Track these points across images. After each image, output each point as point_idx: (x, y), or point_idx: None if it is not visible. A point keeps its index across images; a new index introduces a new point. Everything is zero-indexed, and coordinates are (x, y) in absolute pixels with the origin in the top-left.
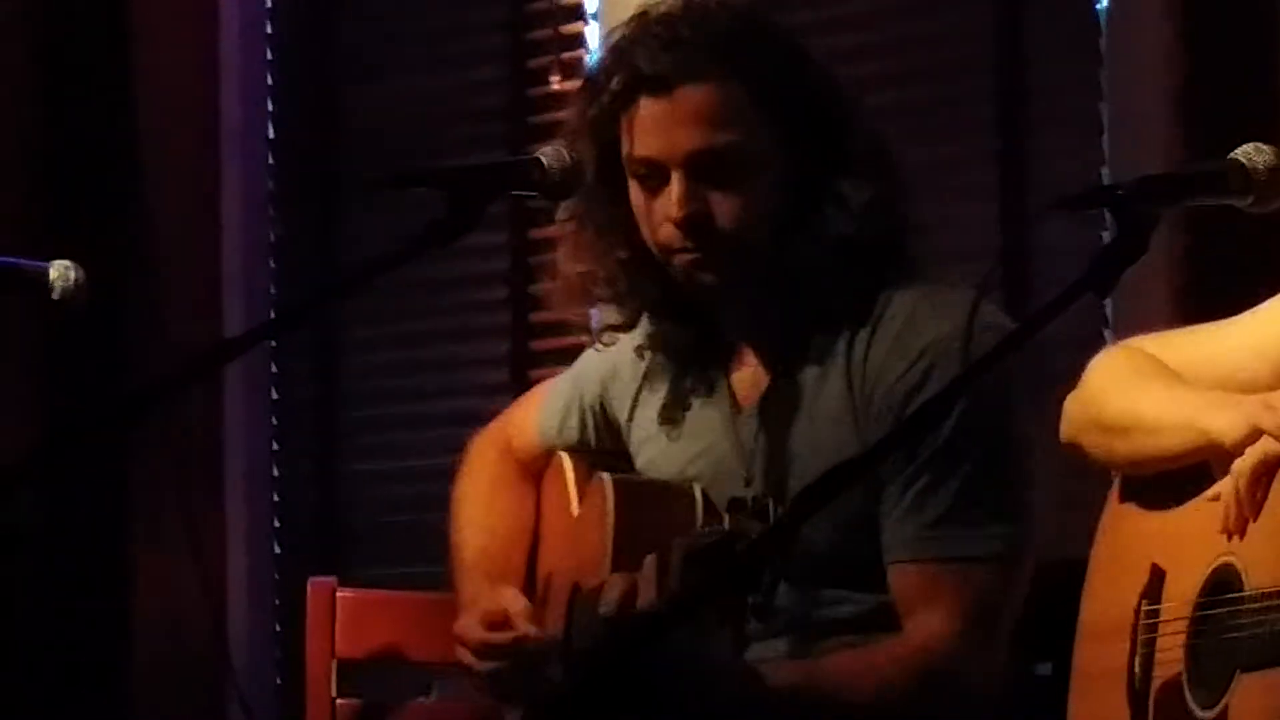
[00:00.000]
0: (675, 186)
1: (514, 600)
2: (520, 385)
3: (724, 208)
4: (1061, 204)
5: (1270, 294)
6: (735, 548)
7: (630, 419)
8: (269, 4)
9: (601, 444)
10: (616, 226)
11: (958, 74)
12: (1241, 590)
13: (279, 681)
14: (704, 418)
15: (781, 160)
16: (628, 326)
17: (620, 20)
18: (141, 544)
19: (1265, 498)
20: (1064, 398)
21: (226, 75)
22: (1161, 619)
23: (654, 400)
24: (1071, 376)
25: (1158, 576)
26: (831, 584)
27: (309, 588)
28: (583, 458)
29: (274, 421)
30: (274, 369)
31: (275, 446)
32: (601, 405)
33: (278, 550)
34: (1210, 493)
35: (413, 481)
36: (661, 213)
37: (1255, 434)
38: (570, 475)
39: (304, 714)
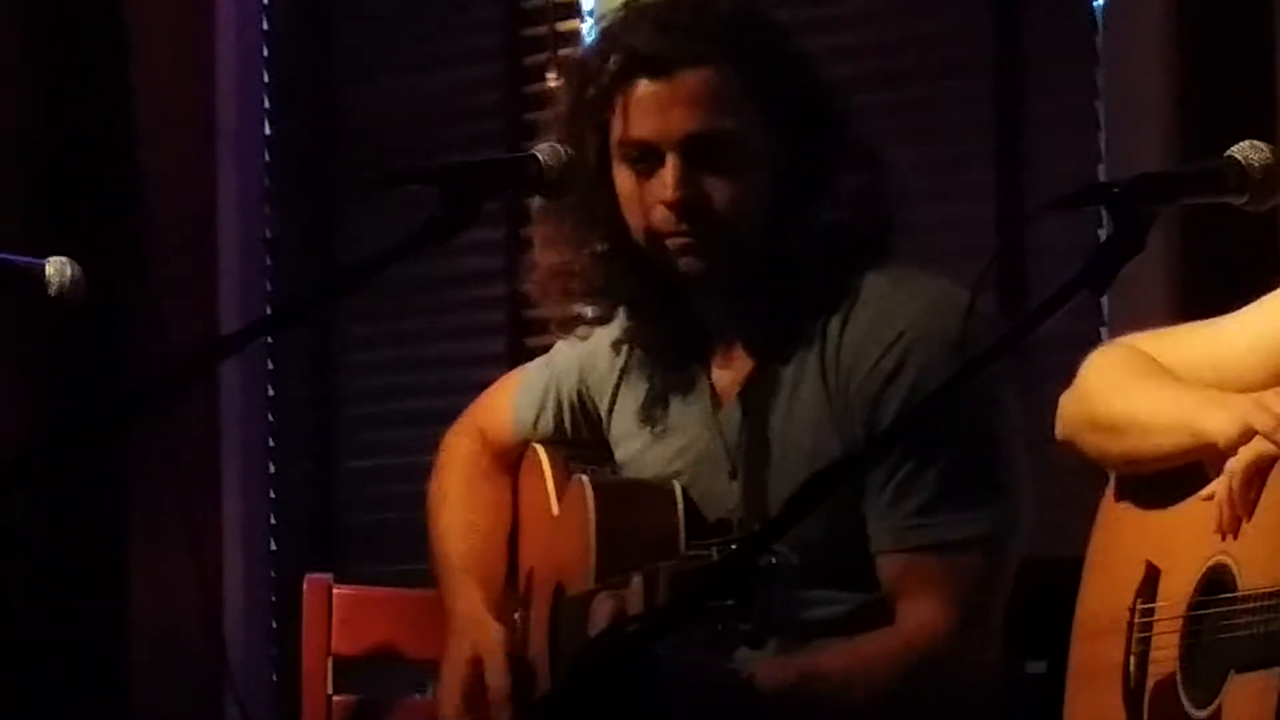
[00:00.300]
0: (670, 169)
1: (493, 651)
2: None
3: (718, 193)
4: (1058, 202)
5: (1266, 291)
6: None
7: (610, 412)
8: (265, 3)
9: (579, 435)
10: (597, 218)
11: (955, 73)
12: (1235, 590)
13: (275, 678)
14: (685, 414)
15: (773, 150)
16: (603, 320)
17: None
18: (138, 541)
19: (1259, 497)
20: (1060, 395)
21: (223, 74)
22: (1156, 618)
23: (633, 395)
24: (1068, 374)
25: (1152, 575)
26: (818, 584)
27: (305, 585)
28: (559, 451)
29: (270, 419)
30: (270, 366)
31: (272, 444)
32: (579, 397)
33: (274, 547)
34: (1204, 492)
35: (409, 479)
36: (654, 196)
37: (1249, 434)
38: (548, 471)
39: (300, 711)
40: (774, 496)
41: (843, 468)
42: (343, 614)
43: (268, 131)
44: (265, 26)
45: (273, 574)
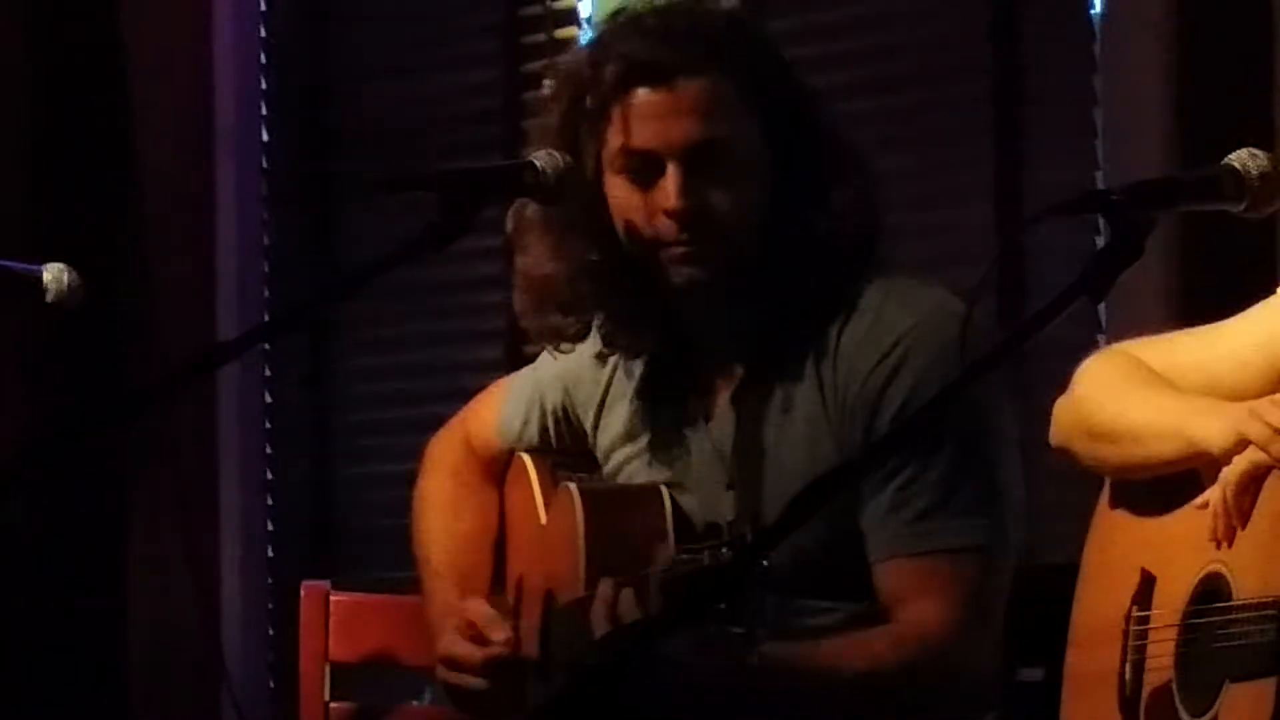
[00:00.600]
0: (672, 178)
1: (479, 610)
2: None
3: (718, 202)
4: (1056, 209)
5: (1264, 298)
6: (713, 575)
7: (596, 427)
8: (263, 7)
9: (564, 445)
10: (588, 228)
11: (953, 79)
12: (1230, 599)
13: (272, 684)
14: (676, 426)
15: (769, 158)
16: (580, 336)
17: None
18: (136, 547)
19: (1253, 506)
20: (1056, 402)
21: (221, 78)
22: (1152, 625)
23: (621, 408)
24: (1066, 381)
25: (1148, 582)
26: (812, 593)
27: (302, 591)
28: (545, 460)
29: (268, 425)
30: (268, 372)
31: (269, 450)
32: (564, 409)
33: (271, 553)
34: (1199, 500)
35: (407, 485)
36: (655, 205)
37: (1242, 442)
38: (535, 480)
39: (297, 716)
40: (770, 505)
41: (842, 474)
42: (340, 620)
43: (266, 137)
44: (263, 32)
45: (270, 580)
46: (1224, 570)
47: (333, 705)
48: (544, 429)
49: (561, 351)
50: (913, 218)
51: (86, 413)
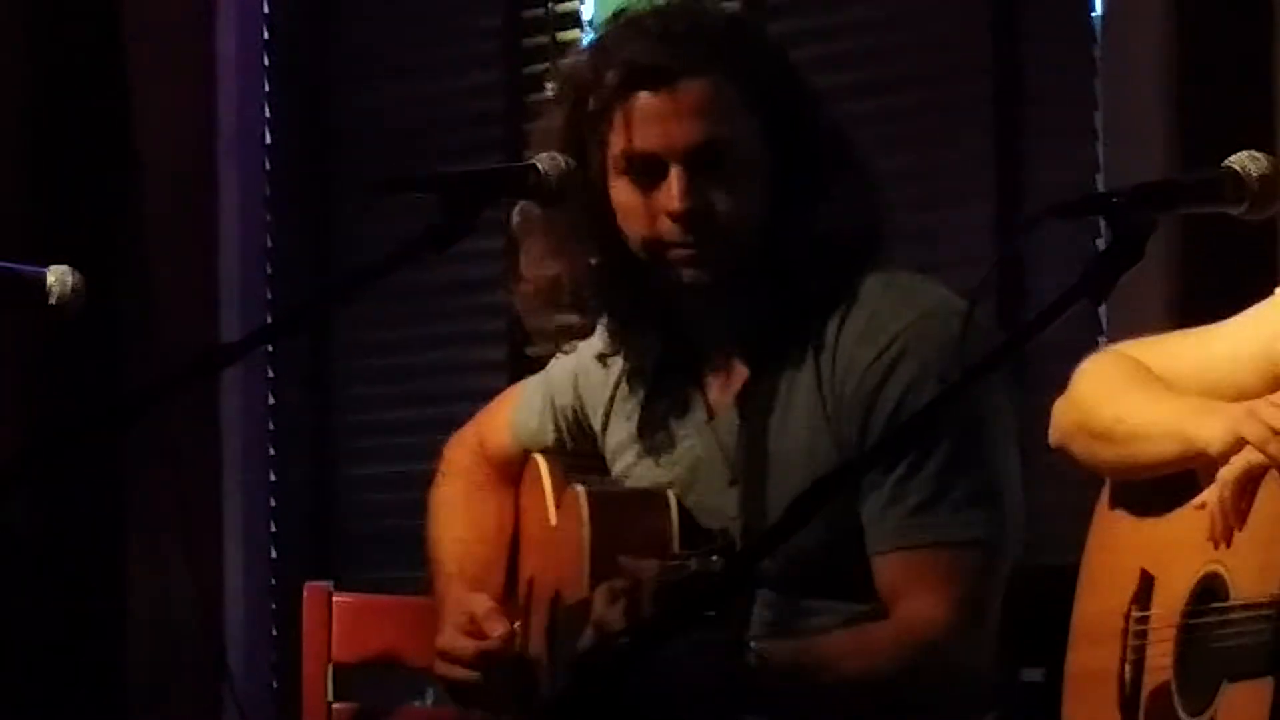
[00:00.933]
0: (675, 180)
1: (480, 604)
2: None
3: (721, 203)
4: (1057, 211)
5: (1263, 300)
6: (701, 582)
7: (604, 428)
8: (266, 9)
9: (576, 446)
10: (590, 229)
11: (953, 80)
12: (1228, 599)
13: (275, 685)
14: (680, 425)
15: (770, 159)
16: (585, 333)
17: None
18: (138, 548)
19: (1250, 507)
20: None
21: (223, 81)
22: (1151, 625)
23: (627, 409)
24: (1066, 382)
25: (1147, 583)
26: (812, 594)
27: (305, 592)
28: (558, 461)
29: (270, 426)
30: (270, 374)
31: (272, 451)
32: (574, 411)
33: (274, 555)
34: (1197, 501)
35: (409, 486)
36: (658, 208)
37: (1240, 443)
38: (547, 481)
39: (300, 718)
40: (773, 503)
41: (842, 475)
42: (342, 621)
43: (268, 139)
44: (266, 34)
45: (273, 581)
46: (1222, 571)
47: (335, 706)
48: (557, 429)
49: (564, 351)
50: (913, 218)
51: (86, 413)
